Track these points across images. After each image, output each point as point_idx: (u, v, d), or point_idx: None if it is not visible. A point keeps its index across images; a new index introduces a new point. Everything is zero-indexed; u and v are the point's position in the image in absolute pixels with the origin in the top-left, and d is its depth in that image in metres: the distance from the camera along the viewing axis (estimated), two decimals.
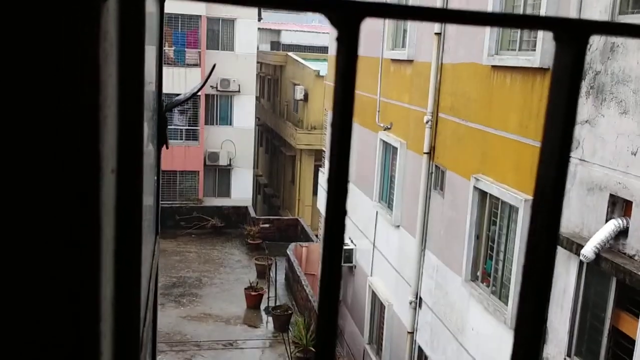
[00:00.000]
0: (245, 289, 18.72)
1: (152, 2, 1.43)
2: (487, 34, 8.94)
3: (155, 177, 1.71)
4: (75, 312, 0.52)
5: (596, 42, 6.75)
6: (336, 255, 0.53)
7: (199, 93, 26.28)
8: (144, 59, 0.75)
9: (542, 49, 7.62)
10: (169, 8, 27.15)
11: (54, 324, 0.52)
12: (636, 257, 6.11)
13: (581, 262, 6.77)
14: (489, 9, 8.90)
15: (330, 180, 0.53)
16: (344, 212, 0.55)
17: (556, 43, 0.56)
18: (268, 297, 18.40)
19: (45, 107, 0.47)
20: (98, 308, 0.55)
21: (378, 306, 13.68)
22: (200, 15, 26.35)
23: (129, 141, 0.69)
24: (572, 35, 0.55)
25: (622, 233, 6.28)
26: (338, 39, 0.54)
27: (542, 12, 7.65)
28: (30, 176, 0.49)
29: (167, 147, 1.80)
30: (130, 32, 0.68)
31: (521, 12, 8.43)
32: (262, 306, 18.56)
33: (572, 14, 7.06)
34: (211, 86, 27.00)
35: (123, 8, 0.62)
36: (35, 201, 0.49)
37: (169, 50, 26.28)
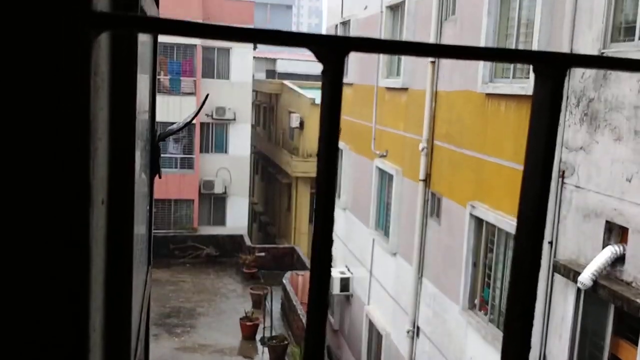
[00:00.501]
0: (240, 319, 18.53)
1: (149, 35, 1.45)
2: (481, 62, 9.04)
3: (148, 207, 1.72)
4: (63, 342, 0.52)
5: (588, 69, 6.84)
6: (324, 281, 0.54)
7: (194, 121, 26.38)
8: (135, 91, 0.76)
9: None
10: (164, 37, 27.46)
11: (42, 355, 0.52)
12: (633, 284, 6.10)
13: (579, 290, 6.75)
14: (482, 37, 9.02)
15: (317, 213, 0.53)
16: (330, 241, 0.56)
17: (535, 75, 0.58)
18: (264, 327, 18.21)
19: (35, 140, 0.48)
20: (86, 339, 0.55)
21: (375, 335, 13.56)
22: (196, 45, 26.58)
23: (120, 172, 0.70)
24: (551, 68, 0.57)
25: (619, 260, 6.28)
26: (323, 72, 0.55)
27: (535, 40, 7.75)
28: (20, 207, 0.49)
29: (159, 177, 1.81)
30: (122, 66, 0.69)
31: (514, 39, 8.55)
32: (258, 337, 18.36)
33: (565, 41, 7.16)
34: (206, 114, 27.09)
35: (115, 43, 0.64)
36: (26, 231, 0.50)
37: (164, 79, 26.44)
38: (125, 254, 0.74)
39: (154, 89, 1.86)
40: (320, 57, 0.55)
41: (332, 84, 0.55)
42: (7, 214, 0.47)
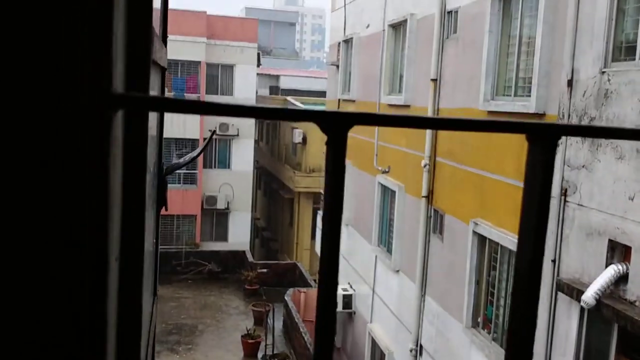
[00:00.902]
0: (242, 336, 18.45)
1: (154, 74, 1.49)
2: (483, 78, 9.09)
3: (154, 240, 1.75)
4: None
5: (590, 87, 6.87)
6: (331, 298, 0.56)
7: (198, 137, 26.48)
8: (146, 151, 0.79)
9: (537, 95, 7.74)
10: (168, 54, 27.55)
11: None
12: (637, 303, 6.09)
13: (582, 309, 6.73)
14: (484, 55, 9.07)
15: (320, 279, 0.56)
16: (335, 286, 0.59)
17: (528, 143, 0.61)
18: (265, 345, 18.13)
19: (59, 207, 0.51)
20: None
21: (378, 354, 13.49)
22: (200, 61, 26.75)
23: (132, 231, 0.73)
24: (543, 137, 0.59)
25: (623, 278, 6.27)
26: (327, 143, 0.58)
27: (536, 58, 7.79)
28: (42, 267, 0.52)
29: (166, 209, 1.84)
30: (136, 131, 0.72)
31: (515, 57, 8.60)
32: (260, 354, 18.27)
33: (566, 60, 7.21)
34: (210, 130, 27.16)
35: (128, 117, 0.67)
36: (45, 294, 0.53)
37: (168, 96, 26.54)
38: (135, 310, 0.77)
39: (162, 121, 1.90)
40: (325, 130, 0.58)
41: (336, 154, 0.58)
42: (30, 274, 0.50)
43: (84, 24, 0.48)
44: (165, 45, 1.71)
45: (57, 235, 0.51)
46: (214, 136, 27.49)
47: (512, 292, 0.65)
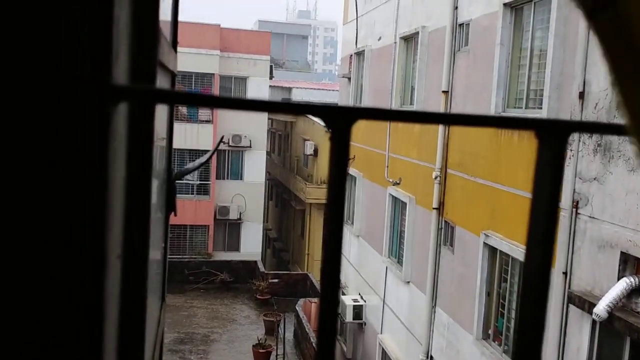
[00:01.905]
0: (253, 346, 18.43)
1: (163, 77, 1.49)
2: (494, 90, 9.07)
3: (163, 244, 1.75)
4: None
5: (602, 100, 6.83)
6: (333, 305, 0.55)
7: (211, 148, 26.57)
8: (152, 151, 0.79)
9: (548, 107, 7.71)
10: (182, 66, 27.59)
11: None
12: None
13: (594, 321, 6.66)
14: (495, 68, 9.05)
15: (322, 276, 0.55)
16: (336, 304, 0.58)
17: (538, 141, 0.60)
18: (277, 355, 18.09)
19: (56, 204, 0.51)
20: None
21: None
22: (214, 74, 26.91)
23: (136, 229, 0.72)
24: (552, 134, 0.59)
25: (635, 291, 6.20)
26: (331, 139, 0.58)
27: (548, 70, 7.77)
28: (38, 263, 0.52)
29: (175, 215, 1.84)
30: (140, 130, 0.72)
31: (527, 70, 8.57)
32: None
33: (578, 72, 7.18)
34: (223, 142, 27.32)
35: (134, 109, 0.67)
36: (40, 287, 0.52)
37: (182, 107, 26.75)
38: (138, 310, 0.76)
39: (172, 125, 1.90)
40: (329, 125, 0.57)
41: (340, 149, 0.57)
42: (26, 268, 0.50)
43: (84, 15, 0.48)
44: (176, 52, 1.72)
45: (54, 231, 0.50)
46: (227, 147, 27.61)
47: (521, 295, 0.64)
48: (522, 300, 0.61)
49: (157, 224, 1.43)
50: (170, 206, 1.72)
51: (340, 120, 0.55)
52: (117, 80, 0.61)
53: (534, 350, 0.60)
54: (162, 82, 1.25)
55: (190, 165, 2.77)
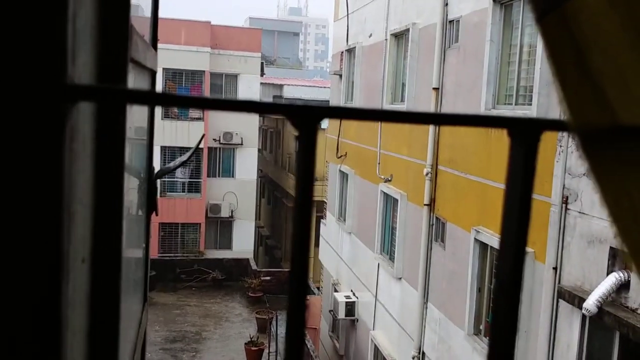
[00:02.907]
0: (245, 343, 18.42)
1: (142, 76, 1.47)
2: (484, 87, 9.08)
3: (144, 244, 1.73)
4: None
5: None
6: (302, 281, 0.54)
7: (202, 146, 26.51)
8: (124, 153, 0.77)
9: (538, 103, 7.72)
10: (173, 64, 27.41)
11: None
12: (639, 311, 6.04)
13: (584, 316, 6.69)
14: (485, 64, 9.06)
15: (290, 280, 0.54)
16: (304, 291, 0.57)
17: (510, 139, 0.59)
18: (269, 352, 18.09)
19: (5, 206, 0.49)
20: None
21: None
22: (204, 71, 26.83)
23: (106, 230, 0.71)
24: (525, 132, 0.57)
25: (624, 286, 6.23)
26: (297, 138, 0.57)
27: (537, 67, 7.77)
28: None
29: (156, 214, 1.82)
30: (109, 124, 0.70)
31: (516, 66, 8.59)
32: None
33: None
34: (214, 139, 27.27)
35: (100, 109, 0.65)
36: None
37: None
38: (112, 310, 0.75)
39: (152, 123, 1.88)
40: (295, 125, 0.56)
41: (307, 149, 0.56)
42: None
43: (36, 13, 0.47)
44: (156, 49, 1.70)
45: (4, 234, 0.49)
46: (218, 145, 27.54)
47: (494, 293, 0.63)
48: (495, 299, 0.60)
49: (135, 223, 1.41)
50: (151, 205, 1.71)
51: (306, 119, 0.54)
52: (80, 80, 0.60)
53: (508, 348, 0.59)
54: (138, 80, 1.23)
55: (171, 164, 2.75)
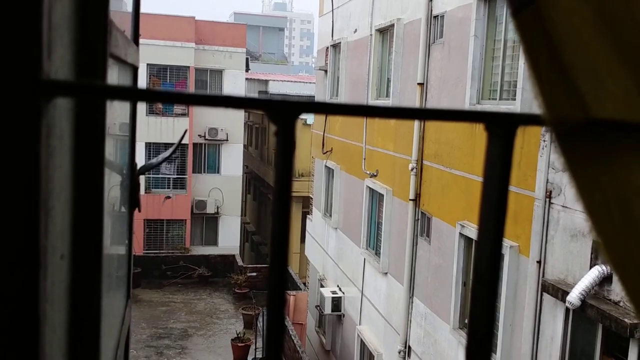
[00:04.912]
0: (232, 340, 18.40)
1: (124, 72, 1.47)
2: (469, 82, 9.12)
3: (127, 241, 1.72)
4: None
5: None
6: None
7: (187, 142, 26.41)
8: (103, 149, 0.77)
9: (522, 99, 7.78)
10: (157, 59, 27.23)
11: None
12: (621, 304, 6.12)
13: (567, 309, 6.76)
14: (469, 59, 9.10)
15: (270, 272, 0.54)
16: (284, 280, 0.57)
17: (487, 134, 0.59)
18: (255, 348, 18.09)
19: None
20: None
21: (367, 356, 13.48)
22: (189, 66, 26.70)
23: (86, 226, 0.70)
24: (502, 127, 0.58)
25: (607, 279, 6.30)
26: (276, 134, 0.57)
27: (521, 62, 7.82)
28: None
29: (139, 211, 1.82)
30: (88, 119, 0.70)
31: (500, 61, 8.63)
32: (250, 357, 18.22)
33: None
34: (199, 135, 27.16)
35: (80, 105, 0.65)
36: None
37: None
38: (92, 306, 0.74)
39: (135, 118, 1.87)
40: (273, 120, 0.56)
41: (285, 143, 0.56)
42: None
43: (8, 6, 0.46)
44: (137, 45, 1.69)
45: None
46: (204, 140, 27.43)
47: (472, 286, 0.63)
48: (472, 291, 0.60)
49: (117, 219, 1.40)
50: (133, 202, 1.70)
51: (284, 114, 0.54)
52: (57, 75, 0.59)
53: (485, 342, 0.60)
54: (119, 76, 1.22)
55: (153, 160, 2.74)
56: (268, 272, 0.56)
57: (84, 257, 0.71)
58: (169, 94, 0.51)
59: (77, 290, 0.69)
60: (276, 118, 0.54)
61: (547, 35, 0.49)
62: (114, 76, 1.14)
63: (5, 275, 0.48)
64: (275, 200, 0.56)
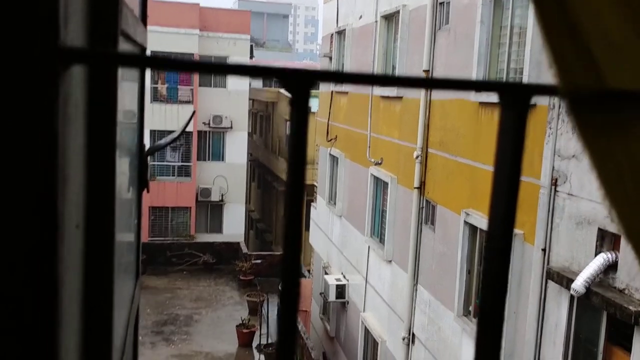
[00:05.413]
0: (237, 326, 18.51)
1: (132, 52, 1.47)
2: (475, 68, 9.08)
3: (136, 221, 1.73)
4: None
5: None
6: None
7: (192, 130, 26.41)
8: (115, 118, 0.77)
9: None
10: (162, 46, 27.16)
11: None
12: (626, 291, 6.12)
13: (572, 297, 6.77)
14: (475, 46, 9.05)
15: (285, 234, 0.55)
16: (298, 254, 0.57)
17: (501, 105, 0.59)
18: (260, 335, 18.19)
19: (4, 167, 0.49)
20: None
21: (371, 342, 13.54)
22: (193, 54, 26.64)
23: (99, 197, 0.71)
24: (515, 98, 0.58)
25: (612, 267, 6.30)
26: (291, 103, 0.57)
27: (527, 48, 7.78)
28: None
29: (147, 191, 1.82)
30: (101, 90, 0.70)
31: (507, 48, 8.59)
32: (254, 344, 18.33)
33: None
34: (203, 123, 27.16)
35: (93, 73, 0.65)
36: None
37: (162, 88, 26.49)
38: (105, 275, 0.75)
39: (143, 100, 1.87)
40: (288, 89, 0.57)
41: (300, 112, 0.57)
42: None
43: None
44: (145, 26, 1.69)
45: (4, 194, 0.49)
46: (208, 128, 27.43)
47: (484, 264, 0.63)
48: (486, 260, 0.60)
49: (127, 199, 1.41)
50: (142, 182, 1.71)
51: (299, 83, 0.54)
52: (65, 40, 0.59)
53: (495, 330, 0.60)
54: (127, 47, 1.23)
55: (162, 141, 2.74)
56: (282, 240, 0.56)
57: (98, 228, 0.71)
58: (182, 62, 0.51)
59: (91, 258, 0.70)
60: (291, 87, 0.54)
61: (562, 2, 0.49)
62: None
63: (26, 236, 0.49)
64: (290, 167, 0.56)
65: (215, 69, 0.55)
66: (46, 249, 0.49)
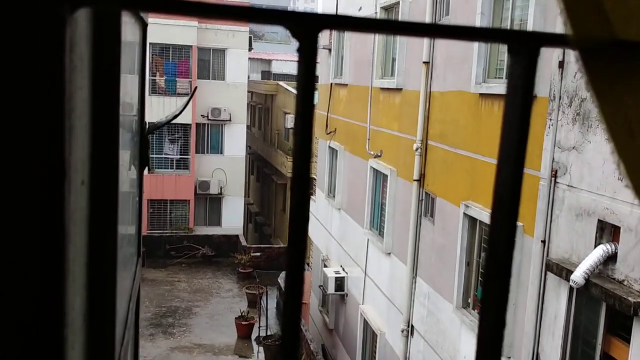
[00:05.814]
0: (236, 318, 18.54)
1: (134, 28, 1.46)
2: (475, 60, 9.06)
3: (138, 198, 1.72)
4: (38, 320, 0.53)
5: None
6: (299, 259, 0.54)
7: (190, 122, 26.36)
8: (119, 72, 0.77)
9: None
10: (160, 38, 27.08)
11: (15, 334, 0.52)
12: (625, 283, 6.13)
13: (571, 288, 6.77)
14: (475, 49, 9.01)
15: (293, 189, 0.54)
16: (306, 218, 0.57)
17: (509, 55, 0.59)
18: (259, 327, 18.23)
19: (4, 115, 0.49)
20: (63, 316, 0.55)
21: (370, 335, 13.57)
22: (192, 46, 26.57)
23: (102, 153, 0.70)
24: (524, 47, 0.57)
25: (611, 258, 6.30)
26: (298, 50, 0.56)
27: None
28: None
29: (149, 170, 1.82)
30: (105, 46, 0.69)
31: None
32: (253, 336, 18.36)
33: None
34: (202, 115, 27.11)
35: (96, 24, 0.64)
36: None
37: (160, 80, 26.41)
38: (109, 233, 0.75)
39: (143, 83, 1.86)
40: (294, 34, 0.56)
41: (306, 61, 0.56)
42: None
43: None
44: None
45: (10, 139, 0.48)
46: (207, 121, 27.38)
47: (490, 223, 0.62)
48: (490, 237, 0.59)
49: (131, 172, 1.40)
50: (144, 160, 1.70)
51: (307, 27, 0.53)
52: None
53: (498, 323, 0.59)
54: (133, 30, 1.22)
55: (162, 118, 2.73)
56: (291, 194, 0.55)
57: (102, 184, 0.71)
58: (187, 3, 0.50)
59: (96, 214, 0.69)
60: (298, 32, 0.53)
61: None
62: (127, 28, 1.13)
63: (34, 181, 0.48)
64: (297, 118, 0.56)
65: (216, 12, 0.54)
66: (53, 195, 0.49)
